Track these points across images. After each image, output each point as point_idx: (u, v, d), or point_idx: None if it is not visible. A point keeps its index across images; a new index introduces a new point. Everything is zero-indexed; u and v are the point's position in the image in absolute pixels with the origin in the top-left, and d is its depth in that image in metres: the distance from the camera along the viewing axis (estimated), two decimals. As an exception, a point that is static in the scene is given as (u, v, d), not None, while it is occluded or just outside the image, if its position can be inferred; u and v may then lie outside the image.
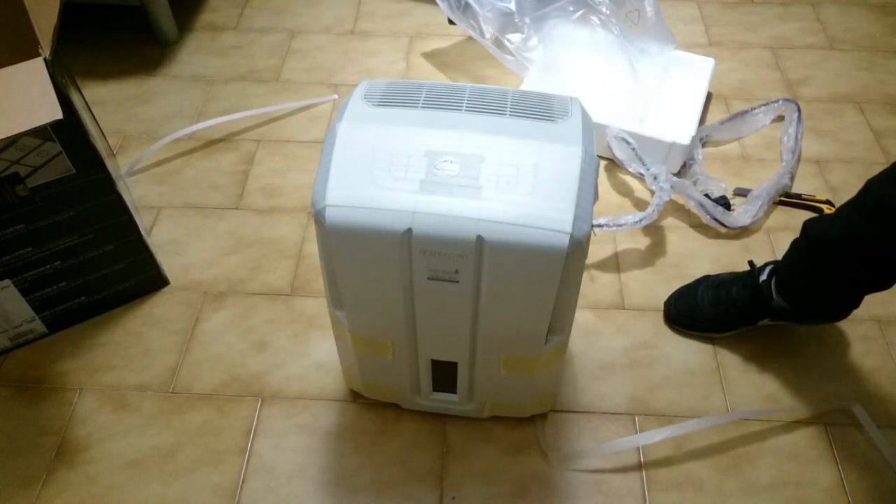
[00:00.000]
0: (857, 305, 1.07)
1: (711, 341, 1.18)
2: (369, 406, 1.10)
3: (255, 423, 1.08)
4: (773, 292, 1.10)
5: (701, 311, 1.17)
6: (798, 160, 1.47)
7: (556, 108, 0.85)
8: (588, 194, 0.79)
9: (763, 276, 1.12)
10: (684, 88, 1.54)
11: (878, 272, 0.97)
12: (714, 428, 1.08)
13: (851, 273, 0.99)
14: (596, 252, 1.29)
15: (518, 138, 0.81)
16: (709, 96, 1.59)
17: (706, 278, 1.22)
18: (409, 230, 0.77)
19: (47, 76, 0.98)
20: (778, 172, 1.41)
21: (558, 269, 0.78)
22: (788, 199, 1.39)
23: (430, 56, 1.73)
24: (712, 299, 1.17)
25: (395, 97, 0.86)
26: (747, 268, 1.17)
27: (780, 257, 1.31)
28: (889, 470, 1.03)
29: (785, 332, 1.19)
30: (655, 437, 1.04)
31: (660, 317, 1.22)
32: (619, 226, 1.29)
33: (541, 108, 0.85)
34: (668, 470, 1.04)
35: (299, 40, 1.77)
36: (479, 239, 0.77)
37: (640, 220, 1.29)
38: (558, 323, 0.88)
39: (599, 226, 1.29)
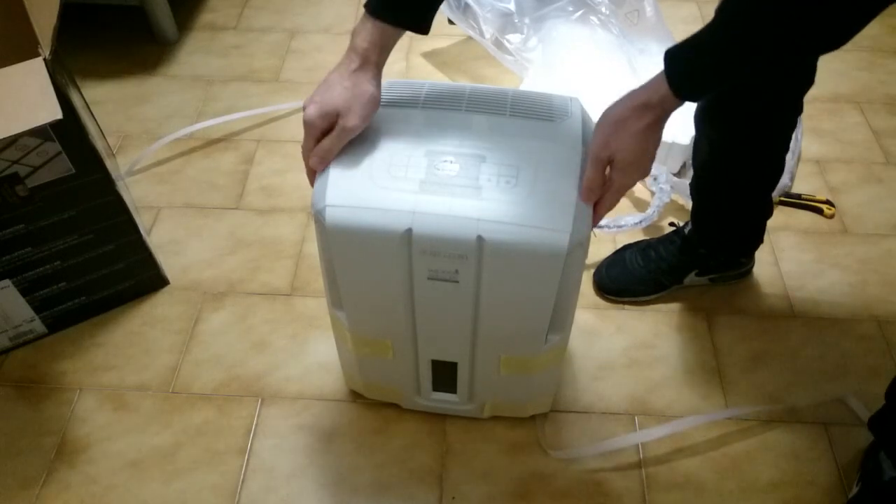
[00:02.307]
0: (759, 238, 1.20)
1: (711, 341, 1.18)
2: (369, 406, 1.10)
3: (255, 423, 1.08)
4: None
5: (632, 274, 1.23)
6: (798, 160, 1.47)
7: (556, 108, 0.85)
8: (588, 194, 0.79)
9: (689, 228, 1.20)
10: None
11: (735, 197, 1.12)
12: (714, 428, 1.08)
13: (719, 205, 1.13)
14: (596, 252, 1.29)
15: (518, 138, 0.81)
16: (709, 96, 1.59)
17: (628, 246, 1.27)
18: (409, 230, 0.77)
19: (47, 76, 0.98)
20: (778, 172, 1.41)
21: (558, 269, 0.78)
22: (788, 199, 1.39)
23: (430, 56, 1.73)
24: (643, 261, 1.23)
25: (394, 97, 0.86)
26: None
27: (780, 257, 1.31)
28: (889, 470, 1.03)
29: (784, 331, 1.19)
30: (655, 434, 1.04)
31: (660, 317, 1.22)
32: (620, 227, 1.29)
33: (541, 108, 0.85)
34: (668, 470, 1.04)
35: (299, 40, 1.77)
36: (479, 239, 0.77)
37: (641, 222, 1.29)
38: (558, 323, 0.88)
39: (600, 227, 1.29)
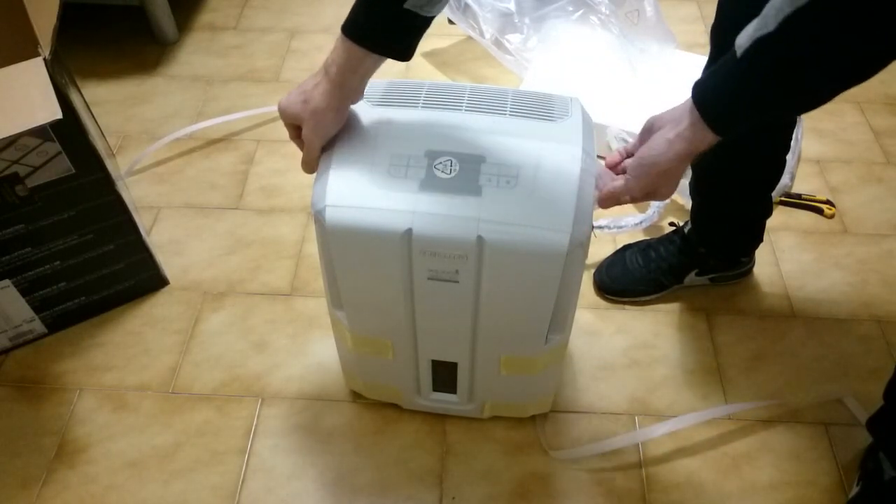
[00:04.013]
0: (759, 237, 1.21)
1: (711, 341, 1.18)
2: (369, 406, 1.10)
3: (255, 423, 1.08)
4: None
5: (633, 274, 1.23)
6: (798, 160, 1.47)
7: (556, 108, 0.85)
8: (588, 195, 0.79)
9: (689, 228, 1.21)
10: (684, 88, 1.54)
11: (734, 198, 1.12)
12: (714, 428, 1.08)
13: (718, 205, 1.14)
14: (596, 252, 1.29)
15: (518, 138, 0.81)
16: (709, 96, 1.59)
17: (628, 246, 1.27)
18: (409, 230, 0.77)
19: (47, 76, 0.98)
20: (778, 172, 1.41)
21: (558, 269, 0.78)
22: (789, 199, 1.39)
23: (430, 56, 1.73)
24: (643, 261, 1.23)
25: (395, 97, 0.86)
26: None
27: (780, 257, 1.31)
28: (889, 470, 1.03)
29: (784, 331, 1.19)
30: (655, 431, 1.04)
31: (660, 316, 1.22)
32: (620, 228, 1.29)
33: (541, 108, 0.85)
34: (669, 470, 1.04)
35: (299, 40, 1.77)
36: (479, 239, 0.77)
37: (642, 222, 1.29)
38: (558, 323, 0.88)
39: (600, 227, 1.29)
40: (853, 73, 0.63)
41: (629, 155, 0.82)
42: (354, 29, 0.73)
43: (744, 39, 0.65)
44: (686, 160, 0.75)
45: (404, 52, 0.75)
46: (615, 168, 0.83)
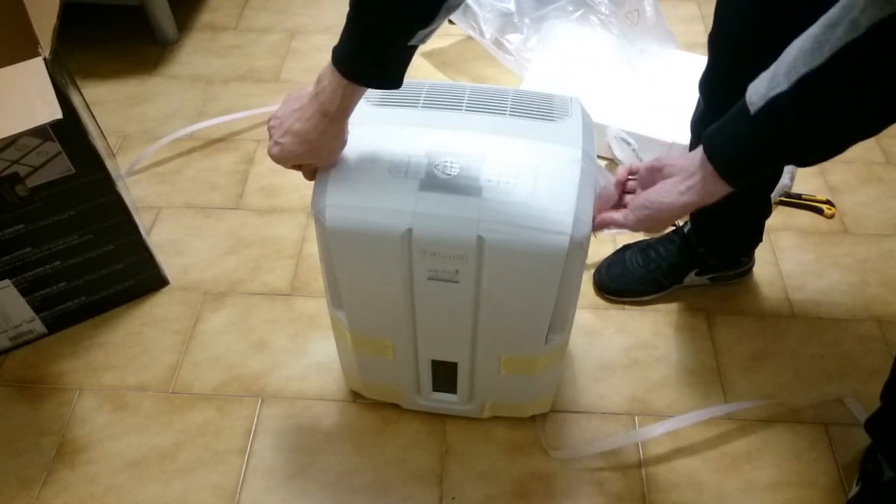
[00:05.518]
0: (758, 237, 1.21)
1: (711, 341, 1.18)
2: (369, 406, 1.10)
3: (255, 423, 1.08)
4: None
5: (632, 274, 1.23)
6: (798, 160, 1.47)
7: (556, 108, 0.85)
8: (588, 195, 0.79)
9: (688, 227, 1.21)
10: (684, 88, 1.54)
11: (733, 199, 1.06)
12: (714, 428, 1.08)
13: (717, 206, 1.09)
14: (596, 252, 1.29)
15: (518, 138, 0.81)
16: (709, 96, 1.59)
17: (628, 246, 1.28)
18: (409, 230, 0.77)
19: (47, 76, 0.98)
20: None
21: (558, 269, 0.78)
22: (789, 199, 1.39)
23: (430, 56, 1.73)
24: (643, 261, 1.23)
25: (395, 97, 0.86)
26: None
27: (780, 257, 1.31)
28: (889, 470, 1.03)
29: (784, 331, 1.19)
30: (655, 431, 1.04)
31: (660, 316, 1.22)
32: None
33: (541, 108, 0.85)
34: (669, 470, 1.04)
35: (299, 40, 1.77)
36: (480, 239, 0.77)
37: (641, 221, 1.29)
38: (558, 323, 0.88)
39: (600, 227, 1.29)
40: (873, 125, 0.62)
41: (632, 173, 0.82)
42: (359, 71, 0.70)
43: (756, 97, 0.64)
44: (691, 210, 0.75)
45: (402, 81, 0.73)
46: (622, 185, 0.83)
